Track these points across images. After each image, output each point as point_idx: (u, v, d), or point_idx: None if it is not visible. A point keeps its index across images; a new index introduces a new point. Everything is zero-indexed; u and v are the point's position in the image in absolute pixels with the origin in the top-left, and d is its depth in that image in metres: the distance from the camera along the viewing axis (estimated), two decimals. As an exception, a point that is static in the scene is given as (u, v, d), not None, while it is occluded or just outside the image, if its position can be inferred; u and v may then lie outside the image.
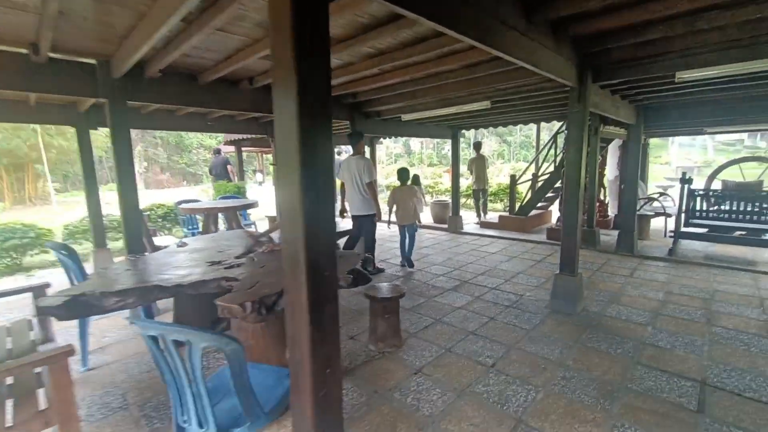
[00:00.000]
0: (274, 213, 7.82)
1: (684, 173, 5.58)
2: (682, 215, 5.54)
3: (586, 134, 3.42)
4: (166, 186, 27.49)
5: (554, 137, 7.11)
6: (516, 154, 41.93)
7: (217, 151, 9.65)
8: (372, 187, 4.47)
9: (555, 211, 8.89)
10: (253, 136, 7.93)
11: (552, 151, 7.91)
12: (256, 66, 3.58)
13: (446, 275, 4.83)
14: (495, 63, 3.53)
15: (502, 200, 10.89)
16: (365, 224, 4.56)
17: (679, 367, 2.60)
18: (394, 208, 5.01)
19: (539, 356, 2.78)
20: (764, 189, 6.63)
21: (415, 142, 42.77)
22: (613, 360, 2.71)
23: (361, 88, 4.40)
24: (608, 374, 2.53)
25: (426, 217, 9.18)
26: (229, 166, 9.67)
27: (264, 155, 28.54)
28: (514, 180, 7.53)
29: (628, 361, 2.69)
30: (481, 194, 8.54)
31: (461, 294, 4.13)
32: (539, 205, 7.69)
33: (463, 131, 7.80)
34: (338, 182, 4.87)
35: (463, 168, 9.89)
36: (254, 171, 29.78)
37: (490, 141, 43.11)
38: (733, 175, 8.82)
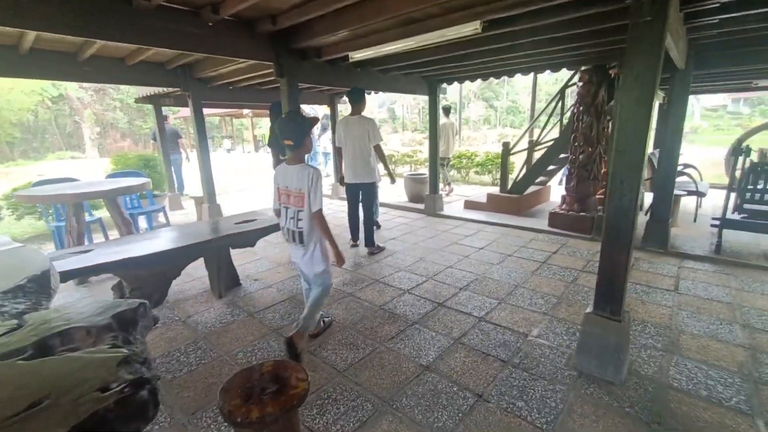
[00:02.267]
0: (201, 193, 6.08)
1: (739, 141, 4.11)
2: (731, 196, 4.12)
3: (659, 68, 1.82)
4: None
5: (562, 91, 5.48)
6: (503, 119, 40.16)
7: (164, 119, 7.80)
8: (380, 149, 4.21)
9: (555, 187, 7.44)
10: (171, 90, 6.00)
11: (554, 112, 6.30)
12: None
13: (414, 290, 3.33)
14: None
15: (490, 172, 9.35)
16: (368, 192, 4.27)
17: None
18: None
19: None
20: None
21: (399, 106, 40.27)
22: None
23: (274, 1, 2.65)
24: None
25: (399, 194, 7.62)
26: (180, 140, 8.10)
27: (234, 119, 25.98)
28: (507, 149, 5.95)
29: None
30: (445, 163, 7.74)
31: (432, 332, 2.64)
32: (537, 180, 6.19)
33: (445, 86, 6.07)
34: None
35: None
36: (222, 137, 27.28)
37: (476, 106, 40.97)
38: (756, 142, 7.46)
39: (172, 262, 3.00)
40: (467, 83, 6.65)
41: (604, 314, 2.10)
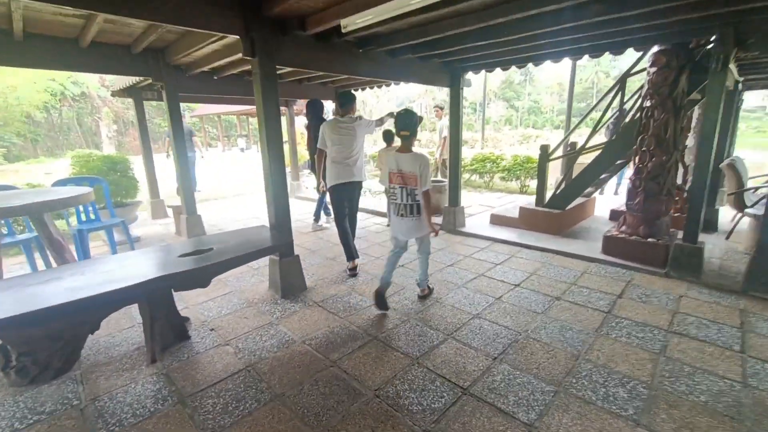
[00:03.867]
0: (178, 201, 5.21)
1: None
2: None
3: None
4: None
5: (622, 80, 4.30)
6: (525, 120, 38.61)
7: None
8: None
9: (601, 198, 6.24)
10: (143, 79, 5.15)
11: (607, 110, 5.13)
12: None
13: (427, 359, 2.29)
14: None
15: (518, 178, 8.20)
16: (359, 193, 3.91)
17: None
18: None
19: None
20: None
21: (417, 105, 39.08)
22: None
23: None
24: None
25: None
26: (194, 138, 8.23)
27: (251, 117, 25.41)
28: (546, 154, 4.82)
29: None
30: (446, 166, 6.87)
31: (455, 458, 1.61)
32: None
33: (470, 76, 5.00)
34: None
35: (438, 135, 8.03)
36: (237, 136, 26.88)
37: (497, 106, 39.49)
38: None
39: (72, 318, 2.08)
40: (490, 79, 5.59)
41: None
